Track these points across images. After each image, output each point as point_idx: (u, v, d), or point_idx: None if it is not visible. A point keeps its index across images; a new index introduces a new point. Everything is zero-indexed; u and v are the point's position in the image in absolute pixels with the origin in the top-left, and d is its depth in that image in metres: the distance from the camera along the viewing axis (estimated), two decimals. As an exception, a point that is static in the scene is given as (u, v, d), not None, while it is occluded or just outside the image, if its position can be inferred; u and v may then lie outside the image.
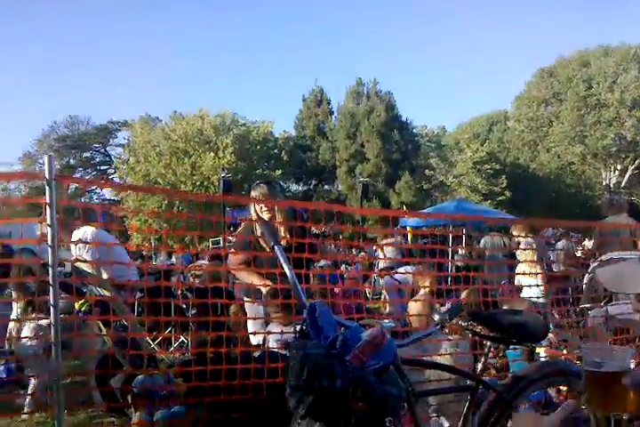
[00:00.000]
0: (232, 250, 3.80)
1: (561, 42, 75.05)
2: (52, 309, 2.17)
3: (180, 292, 6.06)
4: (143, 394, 2.39)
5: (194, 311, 5.67)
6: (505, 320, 2.28)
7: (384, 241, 8.95)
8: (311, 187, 37.79)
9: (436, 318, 2.28)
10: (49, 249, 2.17)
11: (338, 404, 1.81)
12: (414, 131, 37.20)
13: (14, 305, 3.65)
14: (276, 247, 2.24)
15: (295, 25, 69.24)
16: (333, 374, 1.80)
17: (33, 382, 4.74)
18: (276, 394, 2.59)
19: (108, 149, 43.07)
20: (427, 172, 33.88)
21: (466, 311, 2.42)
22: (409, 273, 5.21)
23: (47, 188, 2.20)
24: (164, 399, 2.41)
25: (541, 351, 3.80)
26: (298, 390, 1.84)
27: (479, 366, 2.35)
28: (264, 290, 3.30)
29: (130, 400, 2.41)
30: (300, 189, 37.79)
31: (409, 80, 69.17)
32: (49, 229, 2.18)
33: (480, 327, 2.43)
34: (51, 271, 2.16)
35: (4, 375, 5.08)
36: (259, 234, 2.21)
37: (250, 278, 3.39)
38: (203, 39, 68.59)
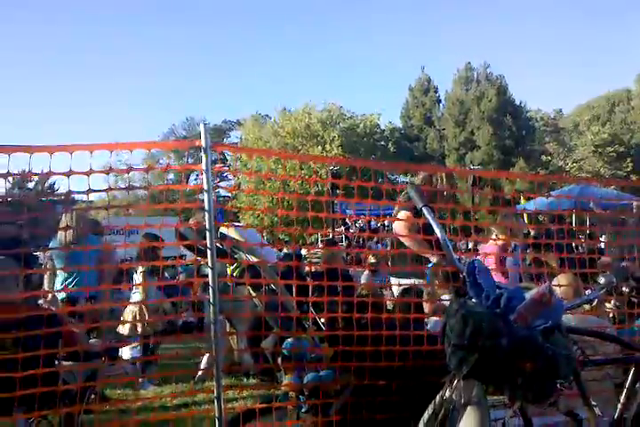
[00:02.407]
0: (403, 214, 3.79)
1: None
2: (209, 271, 2.27)
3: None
4: (293, 357, 2.43)
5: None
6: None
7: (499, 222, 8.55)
8: (412, 184, 37.24)
9: (602, 280, 2.13)
10: (206, 214, 2.27)
11: (503, 364, 1.73)
12: (528, 115, 35.52)
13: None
14: (424, 209, 2.20)
15: (399, 13, 68.38)
16: (498, 334, 1.73)
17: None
18: (424, 361, 2.56)
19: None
20: (543, 157, 32.20)
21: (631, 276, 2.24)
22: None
23: (203, 155, 2.31)
24: (313, 363, 2.45)
25: None
26: (460, 349, 1.78)
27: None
28: (434, 259, 3.37)
29: (280, 362, 2.47)
30: (408, 180, 37.35)
31: (521, 62, 66.23)
32: (205, 194, 2.28)
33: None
34: (208, 236, 2.25)
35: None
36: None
37: (418, 246, 3.48)
38: (306, 33, 69.66)
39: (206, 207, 2.27)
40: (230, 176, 34.94)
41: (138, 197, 34.33)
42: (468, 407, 1.83)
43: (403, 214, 3.76)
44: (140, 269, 6.34)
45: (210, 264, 2.25)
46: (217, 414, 2.23)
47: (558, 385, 1.72)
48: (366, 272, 7.43)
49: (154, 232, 5.36)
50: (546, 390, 1.73)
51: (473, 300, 1.86)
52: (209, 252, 2.26)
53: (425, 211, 2.20)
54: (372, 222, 22.68)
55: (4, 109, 63.10)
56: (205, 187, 2.28)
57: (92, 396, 4.12)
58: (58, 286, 5.29)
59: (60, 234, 4.84)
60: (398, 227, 3.75)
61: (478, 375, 1.77)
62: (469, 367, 1.75)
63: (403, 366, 2.50)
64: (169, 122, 44.33)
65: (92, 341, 4.69)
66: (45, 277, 5.52)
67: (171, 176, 28.02)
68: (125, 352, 6.53)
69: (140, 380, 5.45)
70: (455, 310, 1.82)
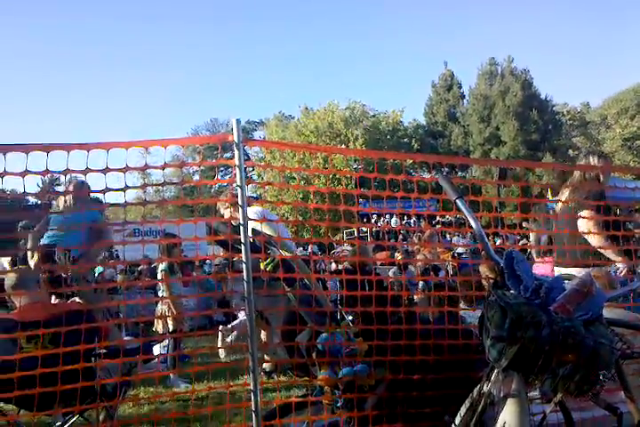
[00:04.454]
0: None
1: None
2: (244, 266, 2.28)
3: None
4: (327, 351, 2.43)
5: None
6: None
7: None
8: (444, 175, 36.94)
9: (641, 271, 2.09)
10: (240, 209, 2.29)
11: (544, 355, 1.71)
12: (554, 109, 34.98)
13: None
14: (458, 201, 2.18)
15: (421, 10, 67.91)
16: (539, 324, 1.70)
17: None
18: (457, 355, 2.54)
19: (246, 148, 45.19)
20: (570, 152, 31.74)
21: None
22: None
23: (236, 150, 2.33)
24: (348, 357, 2.45)
25: None
26: (499, 341, 1.76)
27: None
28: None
29: (314, 357, 2.47)
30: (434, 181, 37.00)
31: (546, 55, 65.34)
32: (239, 189, 2.30)
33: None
34: (242, 230, 2.26)
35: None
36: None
37: (604, 243, 3.68)
38: (329, 31, 69.55)
39: (239, 202, 2.28)
40: (254, 177, 35.12)
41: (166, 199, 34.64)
42: (508, 401, 1.80)
43: (586, 213, 3.80)
44: (161, 267, 6.44)
45: (244, 259, 2.26)
46: (253, 408, 2.24)
47: (601, 377, 1.69)
48: (394, 268, 7.40)
49: (173, 232, 5.54)
50: (588, 381, 1.71)
51: (511, 291, 1.84)
52: (243, 247, 2.28)
53: (459, 203, 2.18)
54: (394, 220, 22.60)
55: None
56: (238, 182, 2.30)
57: (127, 393, 4.20)
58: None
59: (60, 199, 4.98)
60: (586, 225, 3.78)
61: (518, 367, 1.75)
62: (509, 359, 1.73)
63: (438, 360, 2.49)
64: (192, 124, 44.84)
65: (126, 338, 4.78)
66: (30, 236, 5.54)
67: (196, 177, 28.32)
68: (156, 350, 6.63)
69: (172, 377, 5.52)
70: (494, 302, 1.80)
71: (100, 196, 2.34)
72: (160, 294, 6.82)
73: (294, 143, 21.13)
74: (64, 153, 2.18)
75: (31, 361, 2.34)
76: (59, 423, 3.89)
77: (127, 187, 2.29)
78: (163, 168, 2.32)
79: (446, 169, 36.17)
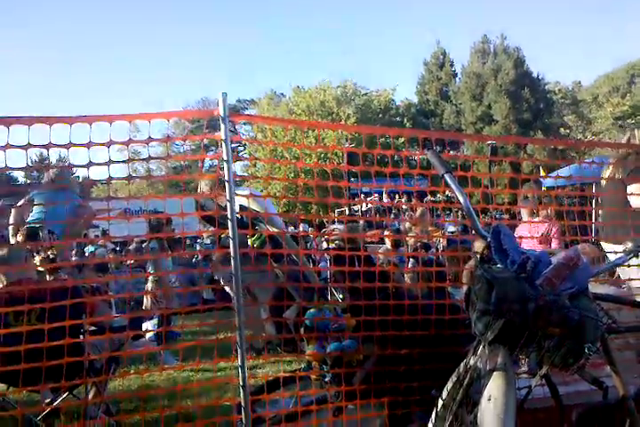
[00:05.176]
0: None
1: None
2: (230, 242, 2.26)
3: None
4: (315, 327, 2.44)
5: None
6: None
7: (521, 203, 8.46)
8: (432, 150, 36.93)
9: (629, 245, 2.09)
10: (226, 184, 2.26)
11: (530, 329, 1.71)
12: (546, 87, 34.85)
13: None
14: (446, 176, 2.17)
15: (412, -13, 67.01)
16: (525, 298, 1.71)
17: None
18: (445, 330, 2.55)
19: (237, 127, 44.83)
20: (561, 130, 31.75)
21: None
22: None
23: (222, 124, 2.30)
24: (335, 333, 2.45)
25: None
26: (485, 314, 1.76)
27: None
28: None
29: (302, 332, 2.48)
30: (424, 156, 36.99)
31: (538, 32, 64.83)
32: (225, 164, 2.28)
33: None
34: (228, 206, 2.24)
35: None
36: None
37: None
38: (316, 9, 68.64)
39: (226, 177, 2.25)
40: (246, 156, 34.91)
41: (153, 183, 34.62)
42: (494, 374, 1.80)
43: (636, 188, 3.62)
44: (151, 245, 6.46)
45: (231, 235, 2.24)
46: (241, 383, 2.24)
47: (586, 350, 1.70)
48: (386, 246, 7.42)
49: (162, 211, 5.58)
50: (573, 354, 1.71)
51: (498, 265, 1.84)
52: (230, 223, 2.25)
53: (447, 178, 2.16)
54: (384, 199, 22.60)
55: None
56: (225, 157, 2.27)
57: (117, 369, 4.21)
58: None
59: (46, 174, 4.99)
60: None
61: (504, 341, 1.76)
62: (495, 333, 1.73)
63: (426, 335, 2.50)
64: (183, 103, 44.28)
65: (115, 315, 4.78)
66: (13, 211, 5.58)
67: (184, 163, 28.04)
68: (145, 328, 6.66)
69: (162, 354, 5.53)
70: (480, 276, 1.80)
71: (84, 171, 2.31)
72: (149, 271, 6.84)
73: (282, 118, 20.88)
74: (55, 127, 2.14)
75: (18, 337, 2.32)
76: (48, 400, 3.91)
77: (111, 161, 2.25)
78: (147, 143, 2.28)
79: (438, 148, 36.01)
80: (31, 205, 5.43)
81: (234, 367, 2.41)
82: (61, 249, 5.24)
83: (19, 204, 5.80)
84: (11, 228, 5.32)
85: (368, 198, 22.24)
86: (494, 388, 1.78)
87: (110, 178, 2.31)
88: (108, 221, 2.42)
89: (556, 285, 1.74)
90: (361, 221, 7.42)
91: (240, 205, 2.50)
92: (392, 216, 18.64)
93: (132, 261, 11.21)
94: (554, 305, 1.69)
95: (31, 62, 69.46)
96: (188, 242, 13.22)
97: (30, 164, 2.26)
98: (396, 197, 22.81)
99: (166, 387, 3.30)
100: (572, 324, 1.69)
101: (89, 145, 2.21)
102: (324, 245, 9.07)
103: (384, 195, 20.14)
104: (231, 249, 2.26)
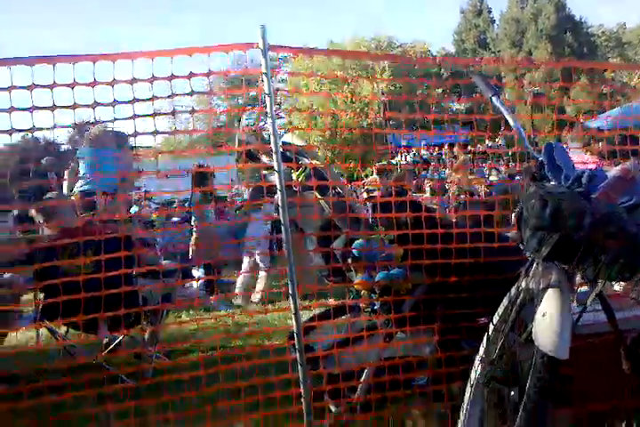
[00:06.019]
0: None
1: None
2: (276, 176, 2.28)
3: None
4: (363, 256, 2.45)
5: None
6: None
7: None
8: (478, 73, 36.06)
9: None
10: (268, 119, 2.25)
11: (586, 243, 1.68)
12: (589, 31, 33.24)
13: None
14: (493, 98, 2.11)
15: None
16: (581, 212, 1.66)
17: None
18: (494, 258, 2.53)
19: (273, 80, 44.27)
20: (606, 74, 30.34)
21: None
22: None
23: (262, 57, 2.27)
24: (383, 262, 2.46)
25: None
26: (539, 230, 1.74)
27: None
28: None
29: (350, 262, 2.50)
30: (463, 106, 36.13)
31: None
32: (267, 98, 2.27)
33: None
34: (272, 139, 2.24)
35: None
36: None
37: None
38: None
39: (268, 112, 2.25)
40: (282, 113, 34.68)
41: (192, 140, 34.94)
42: (548, 291, 1.78)
43: None
44: (195, 197, 6.55)
45: (276, 168, 2.25)
46: (293, 311, 2.29)
47: (644, 263, 1.66)
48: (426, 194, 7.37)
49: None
50: (630, 268, 1.68)
51: (552, 182, 1.80)
52: (274, 155, 2.26)
53: (494, 100, 2.11)
54: (424, 152, 22.31)
55: None
56: (267, 91, 2.25)
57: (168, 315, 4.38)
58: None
59: (88, 132, 5.10)
60: None
61: (558, 257, 1.73)
62: (550, 248, 1.71)
63: (474, 262, 2.49)
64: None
65: (164, 262, 4.93)
66: (66, 173, 5.77)
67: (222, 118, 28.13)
68: (195, 275, 6.86)
69: (213, 302, 5.71)
70: (533, 192, 1.76)
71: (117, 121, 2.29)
72: (194, 224, 6.98)
73: (322, 49, 20.58)
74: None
75: (75, 285, 2.39)
76: (106, 341, 4.11)
77: (135, 99, 2.24)
78: (189, 77, 2.27)
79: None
80: (78, 164, 5.58)
81: (284, 317, 2.48)
82: (117, 208, 5.35)
83: (71, 165, 5.99)
84: (65, 185, 5.49)
85: (408, 152, 22.01)
86: (549, 305, 1.76)
87: (156, 131, 2.30)
88: (151, 181, 2.43)
89: (612, 198, 1.70)
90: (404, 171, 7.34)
91: (282, 141, 2.49)
92: (432, 169, 18.41)
93: (177, 218, 11.49)
94: (611, 218, 1.65)
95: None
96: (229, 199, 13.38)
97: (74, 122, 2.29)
98: (436, 149, 22.49)
99: (219, 332, 3.41)
100: (629, 237, 1.64)
101: (132, 82, 2.21)
102: (364, 195, 9.07)
103: (423, 149, 19.75)
104: (277, 183, 2.27)
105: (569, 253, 1.71)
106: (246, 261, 6.75)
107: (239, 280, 6.39)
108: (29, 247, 3.50)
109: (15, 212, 7.11)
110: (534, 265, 1.89)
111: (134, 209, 12.37)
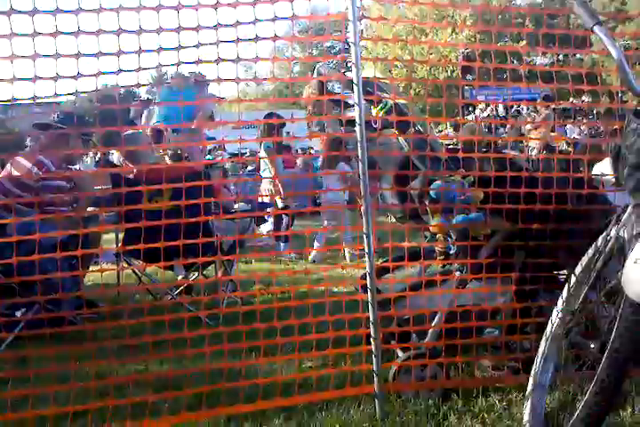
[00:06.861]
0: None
1: None
2: (356, 109, 2.22)
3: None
4: (441, 198, 2.37)
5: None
6: None
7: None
8: (559, 57, 34.00)
9: None
10: (354, 69, 2.22)
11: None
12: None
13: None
14: (596, 28, 1.94)
15: None
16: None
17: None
18: (581, 206, 2.40)
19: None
20: None
21: None
22: None
23: (352, 26, 2.22)
24: (462, 205, 2.38)
25: None
26: (639, 170, 1.61)
27: None
28: None
29: (427, 204, 2.43)
30: (547, 61, 34.22)
31: None
32: (354, 67, 2.23)
33: None
34: (354, 70, 2.20)
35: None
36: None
37: None
38: None
39: (353, 61, 2.22)
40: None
41: (265, 91, 34.99)
42: (643, 237, 1.65)
43: None
44: (264, 145, 6.57)
45: (356, 100, 2.20)
46: (366, 250, 2.25)
47: None
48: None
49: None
50: None
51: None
52: (355, 88, 2.20)
53: (597, 29, 1.93)
54: (501, 108, 21.38)
55: None
56: (354, 60, 2.22)
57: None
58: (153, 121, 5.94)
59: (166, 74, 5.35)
60: None
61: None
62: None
63: (559, 209, 2.36)
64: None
65: (236, 206, 5.04)
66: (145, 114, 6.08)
67: (297, 69, 27.86)
68: (267, 226, 6.97)
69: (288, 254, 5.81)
70: (634, 129, 1.62)
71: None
72: (264, 173, 7.03)
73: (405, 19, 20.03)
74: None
75: (156, 215, 2.45)
76: (181, 276, 4.28)
77: (219, 41, 2.20)
78: (273, 20, 2.22)
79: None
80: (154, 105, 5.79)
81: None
82: (191, 150, 5.51)
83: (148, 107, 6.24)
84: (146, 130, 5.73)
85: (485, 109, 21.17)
86: (643, 251, 1.64)
87: (238, 78, 2.29)
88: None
89: None
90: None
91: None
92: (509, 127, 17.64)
93: (249, 167, 11.64)
94: None
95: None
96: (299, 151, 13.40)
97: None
98: (514, 107, 21.51)
99: (288, 279, 3.43)
100: None
101: (216, 28, 2.18)
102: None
103: (500, 106, 18.87)
104: (356, 116, 2.22)
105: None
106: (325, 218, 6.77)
107: (317, 238, 6.43)
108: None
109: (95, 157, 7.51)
110: (627, 212, 1.77)
111: (207, 157, 12.67)
